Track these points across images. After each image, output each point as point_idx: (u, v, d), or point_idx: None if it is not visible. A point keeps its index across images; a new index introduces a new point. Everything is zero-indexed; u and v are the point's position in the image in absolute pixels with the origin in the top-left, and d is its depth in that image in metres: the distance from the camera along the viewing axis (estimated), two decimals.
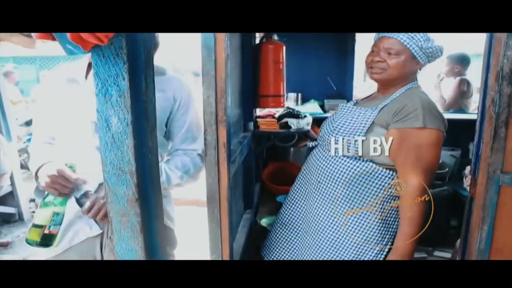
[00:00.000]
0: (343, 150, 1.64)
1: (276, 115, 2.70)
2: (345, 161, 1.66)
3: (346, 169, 1.65)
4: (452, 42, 3.88)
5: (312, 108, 3.52)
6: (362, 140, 1.58)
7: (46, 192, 1.40)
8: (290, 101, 3.71)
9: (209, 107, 1.47)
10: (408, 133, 1.54)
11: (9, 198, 3.93)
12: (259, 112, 2.86)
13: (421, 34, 1.60)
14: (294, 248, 1.92)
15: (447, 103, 4.00)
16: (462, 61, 4.09)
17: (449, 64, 4.06)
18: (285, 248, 1.95)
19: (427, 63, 1.68)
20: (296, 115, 2.62)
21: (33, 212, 4.14)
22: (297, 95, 3.75)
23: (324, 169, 1.72)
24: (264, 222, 2.60)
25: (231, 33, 2.04)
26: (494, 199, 1.52)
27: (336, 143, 1.65)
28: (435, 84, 4.08)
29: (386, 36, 1.64)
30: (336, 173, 1.68)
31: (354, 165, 1.64)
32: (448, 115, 3.71)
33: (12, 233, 3.74)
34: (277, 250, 1.99)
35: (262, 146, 2.70)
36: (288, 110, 2.69)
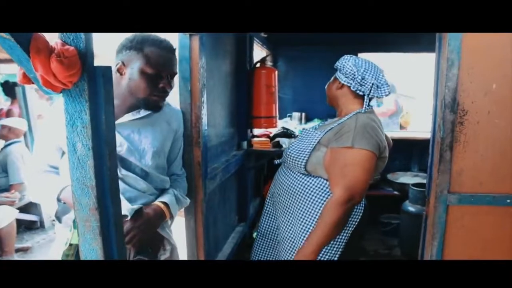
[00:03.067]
0: (295, 167, 1.82)
1: (272, 135, 2.89)
2: (299, 176, 1.82)
3: (298, 184, 1.81)
4: None
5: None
6: (307, 158, 1.76)
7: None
8: (295, 120, 3.90)
9: (186, 131, 1.69)
10: (338, 151, 1.66)
11: (32, 206, 4.19)
12: (256, 131, 3.05)
13: (348, 66, 1.76)
14: (271, 256, 2.09)
15: None
16: None
17: None
18: (265, 257, 2.12)
19: (365, 89, 1.78)
20: (289, 135, 2.81)
21: (53, 220, 4.40)
22: (301, 114, 3.93)
23: (283, 184, 1.90)
24: (256, 234, 2.77)
25: (222, 59, 2.27)
26: (443, 217, 1.65)
27: (290, 161, 1.84)
28: None
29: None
30: (291, 187, 1.83)
31: (306, 180, 1.79)
32: None
33: (33, 239, 4.00)
34: (259, 259, 2.16)
35: (254, 163, 2.88)
36: (283, 130, 2.88)
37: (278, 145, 2.74)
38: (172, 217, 1.56)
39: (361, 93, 1.78)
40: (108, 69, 1.07)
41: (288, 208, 1.86)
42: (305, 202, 1.78)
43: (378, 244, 3.59)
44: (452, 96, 1.56)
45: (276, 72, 2.77)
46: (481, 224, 1.65)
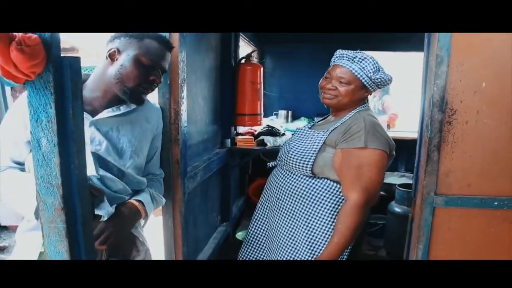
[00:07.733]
0: (298, 169, 1.74)
1: (256, 133, 2.82)
2: (302, 178, 1.74)
3: (303, 186, 1.74)
4: None
5: (300, 125, 3.62)
6: (314, 160, 1.69)
7: None
8: (281, 118, 3.84)
9: (165, 127, 1.62)
10: (351, 152, 1.61)
11: None
12: (241, 129, 2.98)
13: (371, 65, 1.70)
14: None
15: None
16: None
17: None
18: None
19: (377, 89, 1.79)
20: (274, 133, 2.74)
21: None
22: (288, 113, 3.88)
23: (283, 187, 1.78)
24: (239, 235, 2.71)
25: (206, 54, 2.20)
26: (429, 219, 1.60)
27: (292, 163, 1.75)
28: None
29: (339, 65, 1.73)
30: (293, 190, 1.74)
31: (311, 182, 1.71)
32: None
33: (11, 238, 3.85)
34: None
35: (238, 162, 2.82)
36: (268, 128, 2.82)
37: (262, 143, 2.67)
38: (146, 216, 1.49)
39: (373, 90, 1.76)
40: (76, 60, 1.00)
41: (290, 212, 1.77)
42: (311, 205, 1.72)
43: (363, 244, 3.55)
44: (440, 94, 1.51)
45: (262, 69, 2.71)
46: (469, 227, 1.60)
